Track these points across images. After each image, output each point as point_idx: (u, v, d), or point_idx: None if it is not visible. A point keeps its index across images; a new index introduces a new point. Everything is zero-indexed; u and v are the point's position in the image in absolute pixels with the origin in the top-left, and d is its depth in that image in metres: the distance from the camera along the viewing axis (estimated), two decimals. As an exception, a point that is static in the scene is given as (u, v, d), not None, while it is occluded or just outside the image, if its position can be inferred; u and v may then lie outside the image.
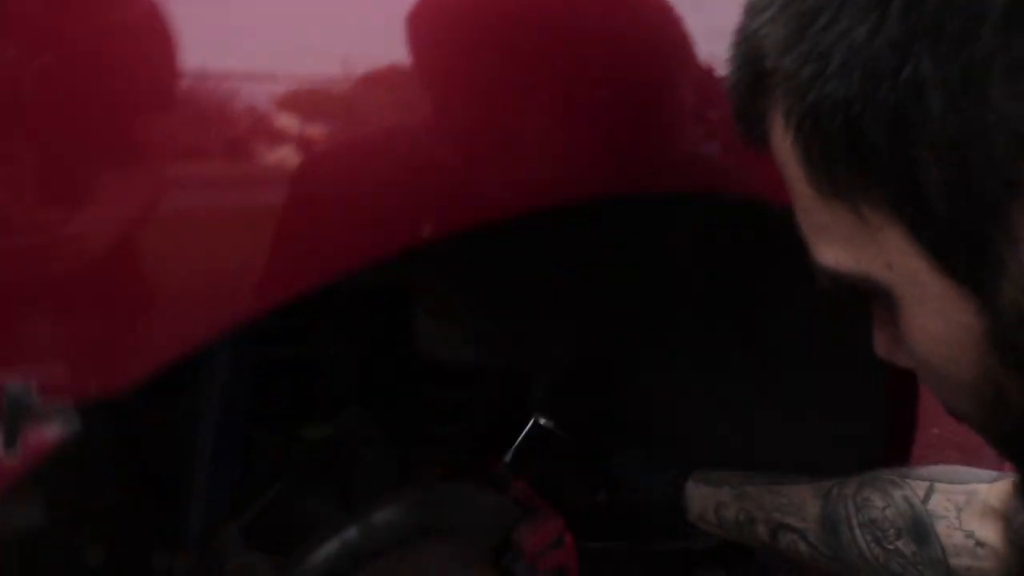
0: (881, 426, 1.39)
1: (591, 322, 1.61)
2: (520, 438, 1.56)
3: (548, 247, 1.54)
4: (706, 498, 1.35)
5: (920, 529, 1.06)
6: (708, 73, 0.95)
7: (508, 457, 1.53)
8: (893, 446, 1.38)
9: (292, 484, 1.48)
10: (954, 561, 1.03)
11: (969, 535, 1.02)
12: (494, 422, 1.64)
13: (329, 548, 1.21)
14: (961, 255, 0.59)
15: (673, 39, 0.96)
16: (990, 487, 1.04)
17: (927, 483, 1.09)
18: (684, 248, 1.47)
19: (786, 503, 1.23)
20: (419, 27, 0.78)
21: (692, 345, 1.64)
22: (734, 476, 1.34)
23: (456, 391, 1.59)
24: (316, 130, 0.73)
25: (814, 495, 1.20)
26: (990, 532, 1.01)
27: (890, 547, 1.09)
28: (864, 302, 0.71)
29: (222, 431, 1.38)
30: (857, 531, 1.12)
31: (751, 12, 0.70)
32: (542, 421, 1.56)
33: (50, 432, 0.62)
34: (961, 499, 1.05)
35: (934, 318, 0.61)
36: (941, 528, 1.05)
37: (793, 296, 1.49)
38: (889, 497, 1.10)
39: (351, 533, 1.22)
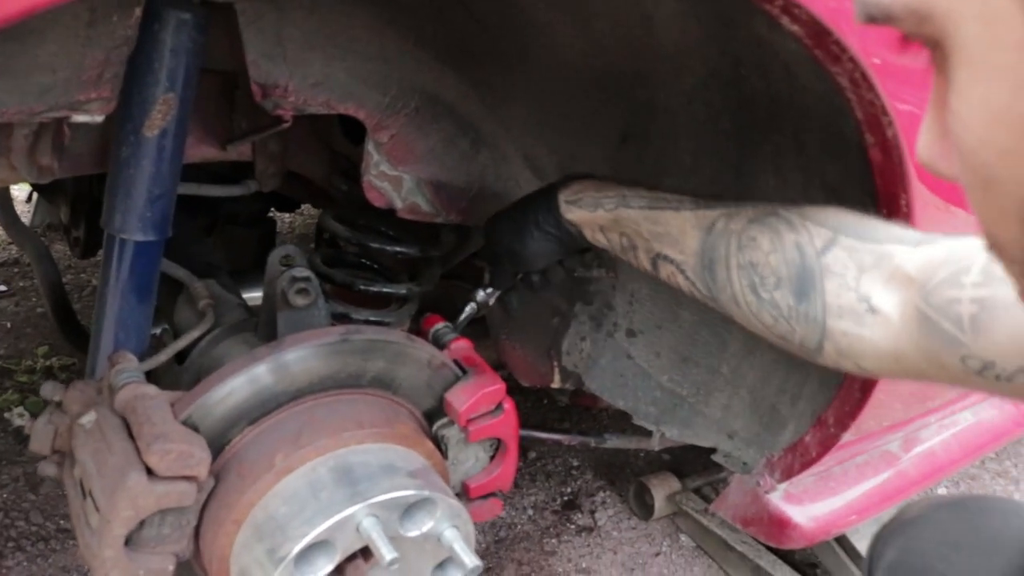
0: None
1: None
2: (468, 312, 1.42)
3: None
4: (587, 224, 1.19)
5: (805, 283, 0.93)
6: None
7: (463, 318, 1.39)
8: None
9: (213, 332, 1.35)
10: (832, 323, 0.91)
11: (863, 299, 0.89)
12: (445, 279, 1.51)
13: (233, 384, 1.07)
14: None
15: None
16: (911, 251, 0.89)
17: (830, 233, 0.94)
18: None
19: (663, 232, 1.08)
20: None
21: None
22: (607, 196, 1.17)
23: (407, 246, 1.44)
24: None
25: (695, 225, 1.05)
26: (889, 300, 0.88)
27: (765, 296, 0.97)
28: None
29: (133, 278, 1.25)
30: (734, 272, 1.00)
31: None
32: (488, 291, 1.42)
33: None
34: (868, 259, 0.90)
35: (1001, 81, 0.44)
36: (831, 286, 0.91)
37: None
38: (779, 240, 0.96)
39: (260, 370, 1.08)
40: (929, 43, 0.47)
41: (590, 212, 1.17)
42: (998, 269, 0.75)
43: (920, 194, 1.10)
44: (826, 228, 0.94)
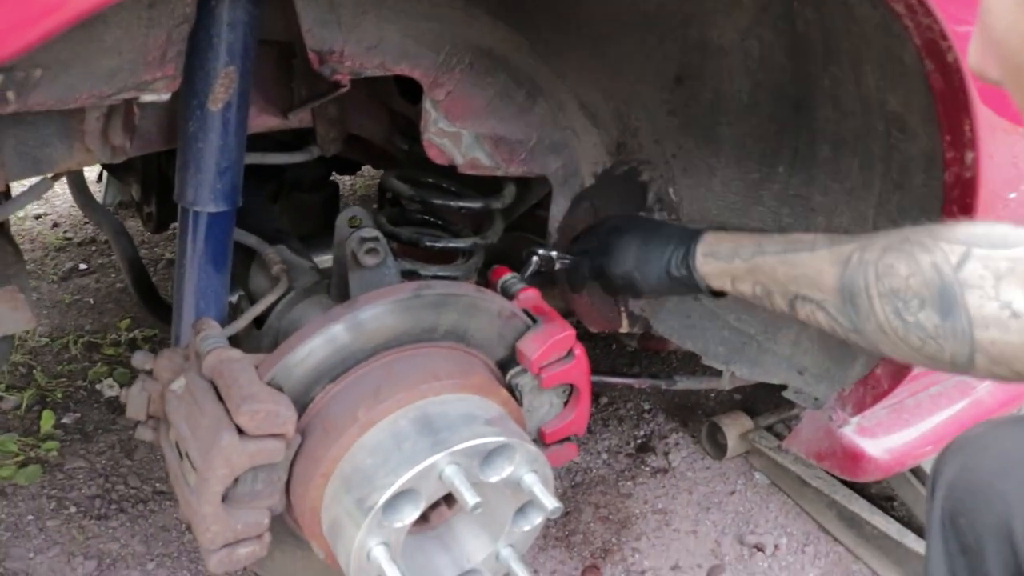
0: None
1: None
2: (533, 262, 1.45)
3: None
4: (719, 275, 1.25)
5: (947, 300, 0.96)
6: None
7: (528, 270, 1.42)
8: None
9: (288, 296, 1.39)
10: (980, 334, 0.94)
11: (1005, 306, 0.92)
12: (509, 231, 1.53)
13: (313, 344, 1.11)
14: None
15: None
16: None
17: (963, 248, 0.96)
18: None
19: (800, 275, 1.12)
20: None
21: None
22: (743, 246, 1.22)
23: (469, 200, 1.47)
24: None
25: (832, 262, 1.09)
26: None
27: (911, 319, 0.99)
28: None
29: (209, 248, 1.29)
30: (876, 301, 1.03)
31: None
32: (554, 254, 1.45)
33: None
34: (1003, 266, 0.93)
35: None
36: (972, 299, 0.94)
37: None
38: (916, 264, 0.99)
39: (337, 330, 1.12)
40: None
41: (726, 263, 1.23)
42: None
43: (985, 118, 1.09)
44: (958, 243, 0.97)
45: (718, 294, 1.29)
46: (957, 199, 1.18)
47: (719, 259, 1.24)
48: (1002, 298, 0.92)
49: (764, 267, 1.17)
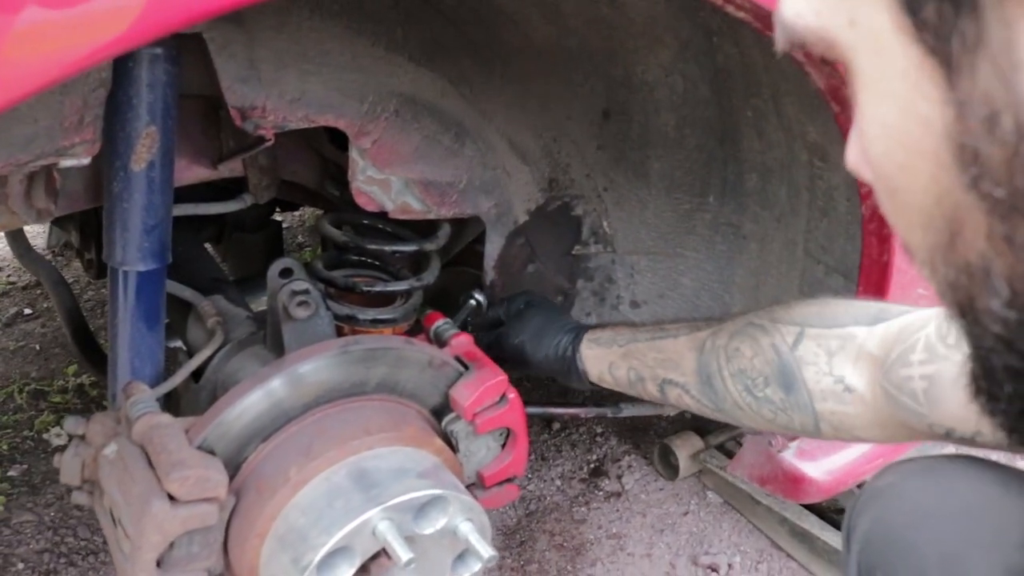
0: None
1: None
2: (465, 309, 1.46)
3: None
4: (599, 359, 1.32)
5: (787, 376, 1.05)
6: None
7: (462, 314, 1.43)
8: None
9: (224, 348, 1.39)
10: (820, 406, 1.03)
11: (838, 380, 1.01)
12: (448, 267, 1.54)
13: (243, 406, 1.11)
14: (932, 6, 0.45)
15: None
16: (869, 331, 1.00)
17: (797, 328, 1.06)
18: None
19: (665, 358, 1.22)
20: None
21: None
22: (621, 334, 1.31)
23: (401, 244, 1.47)
24: None
25: (690, 347, 1.18)
26: (860, 378, 0.99)
27: (760, 395, 1.09)
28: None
29: (140, 307, 1.28)
30: (729, 381, 1.13)
31: None
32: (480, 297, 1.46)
33: None
34: (834, 344, 1.02)
35: (891, 104, 0.47)
36: (809, 374, 1.03)
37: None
38: (757, 345, 1.09)
39: (267, 390, 1.11)
40: (842, 64, 0.50)
41: (605, 349, 1.31)
42: (939, 345, 0.88)
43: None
44: (793, 324, 1.07)
45: (596, 387, 1.36)
46: (875, 231, 1.20)
47: (600, 345, 1.32)
48: (835, 373, 1.01)
49: (636, 352, 1.25)
